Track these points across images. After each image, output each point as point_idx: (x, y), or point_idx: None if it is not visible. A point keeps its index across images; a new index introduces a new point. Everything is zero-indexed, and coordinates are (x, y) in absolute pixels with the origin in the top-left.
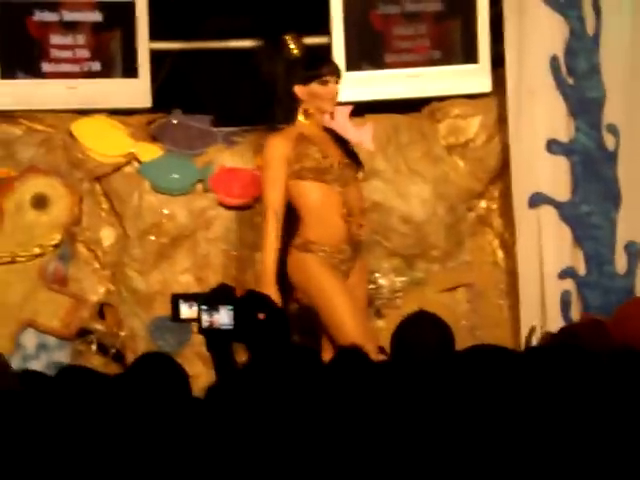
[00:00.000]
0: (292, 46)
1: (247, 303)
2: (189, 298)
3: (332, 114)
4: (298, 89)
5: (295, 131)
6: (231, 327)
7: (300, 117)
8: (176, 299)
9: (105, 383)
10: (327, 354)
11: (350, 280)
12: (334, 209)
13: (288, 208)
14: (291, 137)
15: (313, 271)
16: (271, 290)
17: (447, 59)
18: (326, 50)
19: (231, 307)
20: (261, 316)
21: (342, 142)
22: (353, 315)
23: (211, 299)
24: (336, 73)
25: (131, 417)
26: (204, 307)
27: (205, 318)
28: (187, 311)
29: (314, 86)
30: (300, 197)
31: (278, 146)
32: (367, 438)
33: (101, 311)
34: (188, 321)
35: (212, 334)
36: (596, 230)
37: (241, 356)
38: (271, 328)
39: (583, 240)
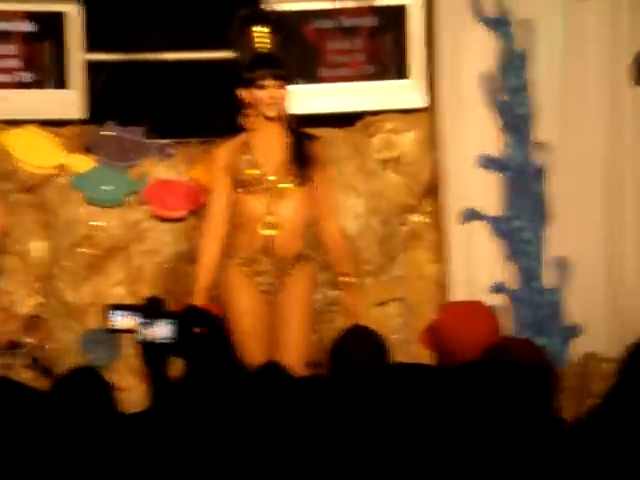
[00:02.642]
0: (256, 40)
1: (187, 317)
2: (123, 308)
3: (282, 119)
4: (242, 93)
5: (239, 140)
6: (169, 341)
7: (245, 124)
8: (109, 309)
9: (29, 397)
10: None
11: (281, 295)
12: (255, 220)
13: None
14: (233, 146)
15: (228, 282)
16: (199, 303)
17: (380, 74)
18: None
19: (170, 321)
20: (198, 330)
21: (298, 148)
22: (252, 336)
23: (149, 312)
24: (277, 77)
25: (52, 431)
26: (142, 320)
27: (142, 331)
28: (121, 322)
29: (254, 90)
30: (233, 207)
31: (217, 157)
32: (300, 451)
33: (31, 324)
34: (122, 332)
35: (150, 347)
36: (527, 245)
37: (173, 370)
38: (210, 342)
39: (515, 255)
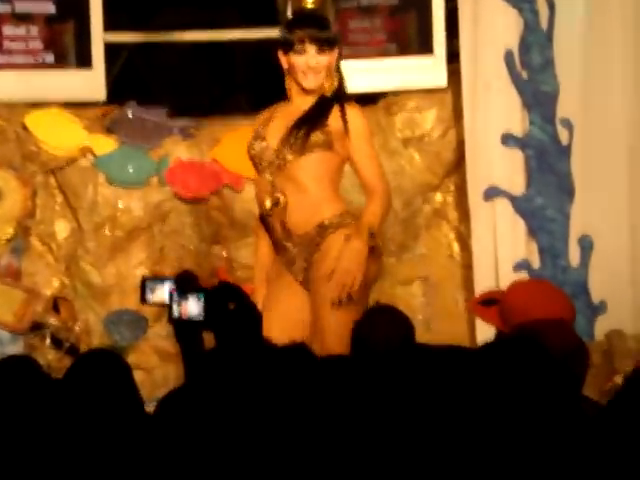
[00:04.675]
0: None
1: (218, 293)
2: (158, 281)
3: (323, 92)
4: (281, 57)
5: (270, 111)
6: (201, 318)
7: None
8: (145, 282)
9: (43, 379)
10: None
11: (309, 275)
12: (263, 200)
13: None
14: (262, 118)
15: (270, 274)
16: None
17: (403, 52)
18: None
19: (202, 296)
20: (231, 306)
21: (312, 113)
22: (280, 330)
23: (182, 287)
24: (318, 40)
25: (66, 413)
26: (175, 296)
27: (175, 307)
28: (155, 295)
29: (292, 55)
30: None
31: (255, 129)
32: (327, 431)
33: (55, 305)
34: (156, 305)
35: (182, 324)
36: (550, 223)
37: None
38: (241, 319)
39: (537, 233)
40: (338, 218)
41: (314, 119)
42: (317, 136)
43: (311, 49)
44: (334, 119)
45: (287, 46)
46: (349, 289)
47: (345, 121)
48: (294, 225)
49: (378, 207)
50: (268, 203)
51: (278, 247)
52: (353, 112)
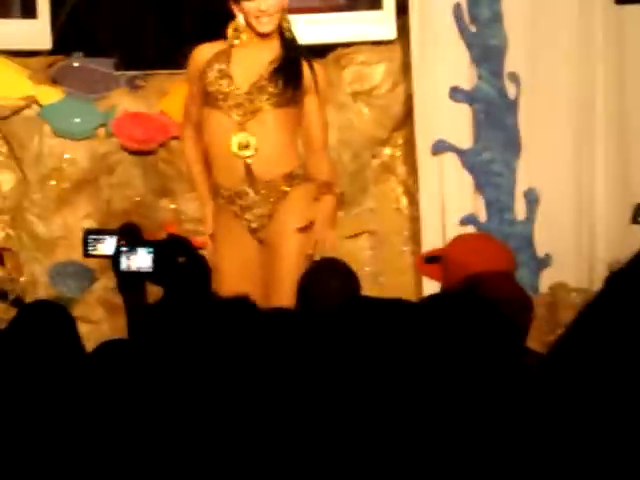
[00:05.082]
0: None
1: (168, 246)
2: (100, 233)
3: (277, 35)
4: (233, 6)
5: (219, 46)
6: (150, 270)
7: (229, 33)
8: (87, 235)
9: None
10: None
11: (270, 226)
12: (225, 140)
13: None
14: (212, 51)
15: (215, 227)
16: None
17: (352, 5)
18: None
19: (151, 249)
20: (181, 260)
21: (285, 65)
22: (233, 283)
23: (128, 240)
24: None
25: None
26: (123, 249)
27: (123, 260)
28: (98, 247)
29: (243, 2)
30: (203, 126)
31: (195, 57)
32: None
33: (0, 256)
34: (99, 257)
35: (129, 276)
36: (497, 177)
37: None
38: (190, 272)
39: (484, 187)
40: (302, 170)
41: (291, 73)
42: (293, 92)
43: None
44: (305, 74)
45: None
46: (324, 244)
47: (315, 79)
48: (262, 171)
49: (330, 165)
50: (235, 144)
51: (231, 193)
52: (321, 71)
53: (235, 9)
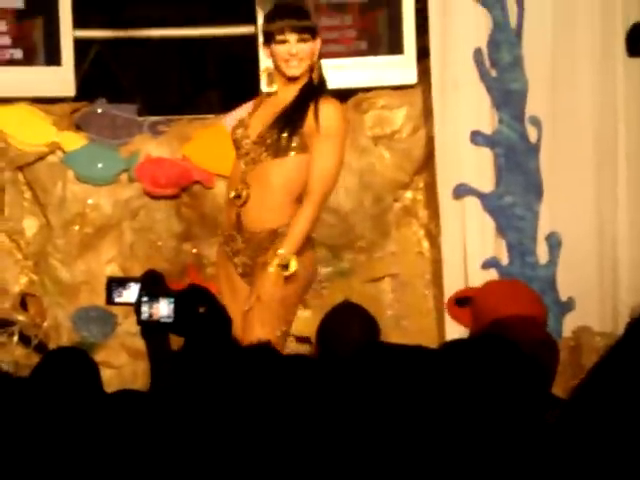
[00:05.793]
0: None
1: (188, 296)
2: (123, 281)
3: (308, 78)
4: (265, 50)
5: (261, 98)
6: (170, 320)
7: (263, 82)
8: (110, 282)
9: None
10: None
11: (256, 278)
12: (231, 188)
13: None
14: (253, 105)
15: (216, 264)
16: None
17: (373, 50)
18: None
19: (172, 299)
20: (202, 310)
21: (292, 111)
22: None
23: (150, 289)
24: (298, 29)
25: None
26: (144, 298)
27: (145, 310)
28: (121, 295)
29: (273, 46)
30: None
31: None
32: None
33: (23, 302)
34: (122, 304)
35: (151, 326)
36: (519, 221)
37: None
38: (211, 322)
39: (506, 231)
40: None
41: (291, 120)
42: (290, 138)
43: (292, 38)
44: (309, 117)
45: (269, 38)
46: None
47: (317, 118)
48: (248, 222)
49: (312, 214)
50: (232, 193)
51: (227, 235)
52: (328, 109)
53: (266, 52)
